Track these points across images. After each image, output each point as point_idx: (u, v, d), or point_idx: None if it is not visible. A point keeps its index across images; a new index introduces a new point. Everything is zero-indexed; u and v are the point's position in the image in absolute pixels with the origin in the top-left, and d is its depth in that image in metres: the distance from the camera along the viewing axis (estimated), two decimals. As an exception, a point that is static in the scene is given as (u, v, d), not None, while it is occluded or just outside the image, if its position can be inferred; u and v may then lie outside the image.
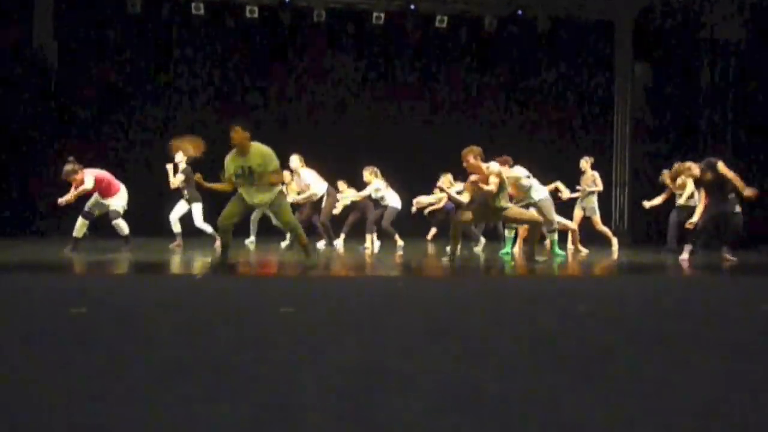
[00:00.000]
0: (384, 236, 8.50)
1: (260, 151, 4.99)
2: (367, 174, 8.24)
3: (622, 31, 12.27)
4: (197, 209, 7.95)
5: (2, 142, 9.94)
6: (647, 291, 4.07)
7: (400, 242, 8.25)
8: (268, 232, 8.77)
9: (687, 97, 11.18)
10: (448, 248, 7.64)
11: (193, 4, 11.06)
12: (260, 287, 3.97)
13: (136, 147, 11.18)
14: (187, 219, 8.08)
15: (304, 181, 7.90)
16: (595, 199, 8.50)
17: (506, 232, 7.47)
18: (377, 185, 8.25)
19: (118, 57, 11.45)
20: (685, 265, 6.07)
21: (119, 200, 7.14)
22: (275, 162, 5.04)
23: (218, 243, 7.78)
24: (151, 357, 1.82)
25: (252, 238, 8.52)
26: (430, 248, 8.53)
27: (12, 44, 10.21)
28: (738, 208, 6.56)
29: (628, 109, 12.42)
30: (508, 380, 1.63)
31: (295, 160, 7.92)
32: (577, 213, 8.51)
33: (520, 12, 11.72)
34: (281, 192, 5.29)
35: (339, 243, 8.40)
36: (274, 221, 7.96)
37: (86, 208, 6.98)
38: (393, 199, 8.40)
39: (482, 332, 2.32)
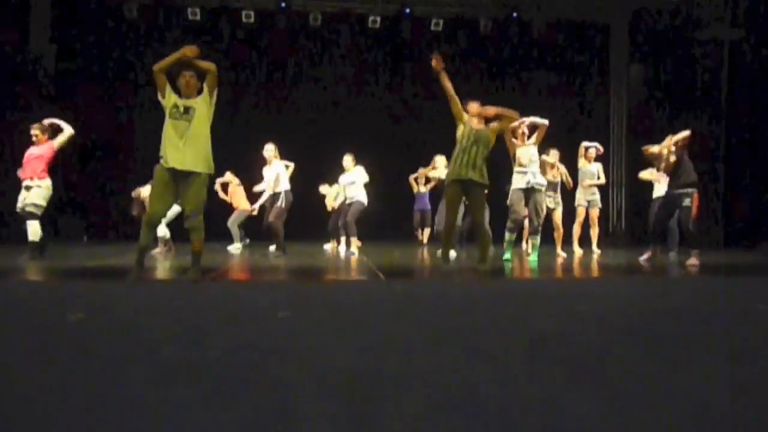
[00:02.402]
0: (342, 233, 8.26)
1: (202, 96, 4.41)
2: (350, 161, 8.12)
3: (617, 32, 12.33)
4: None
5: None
6: (645, 292, 4.08)
7: (354, 245, 7.99)
8: (254, 238, 8.77)
9: (682, 97, 11.22)
10: (439, 252, 7.55)
11: (189, 10, 11.09)
12: (258, 292, 3.97)
13: (133, 152, 11.19)
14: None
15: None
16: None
17: (506, 234, 6.75)
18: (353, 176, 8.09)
19: (115, 61, 11.48)
20: (645, 265, 6.04)
21: (42, 194, 6.24)
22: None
23: (159, 250, 7.42)
24: (150, 362, 1.83)
25: (238, 244, 8.41)
26: (423, 251, 8.54)
27: (9, 48, 10.21)
28: (688, 201, 6.18)
29: (624, 109, 12.48)
30: (507, 382, 1.64)
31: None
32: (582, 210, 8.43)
33: (515, 15, 11.77)
34: (207, 176, 4.39)
35: (329, 247, 8.52)
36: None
37: (25, 210, 6.20)
38: (362, 195, 8.08)
39: (480, 334, 2.32)
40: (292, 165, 8.00)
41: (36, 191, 6.20)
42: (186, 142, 4.26)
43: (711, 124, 11.01)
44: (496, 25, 11.85)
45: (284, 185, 7.59)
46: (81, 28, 11.20)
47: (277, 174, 7.56)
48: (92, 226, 11.47)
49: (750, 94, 9.91)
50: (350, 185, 8.02)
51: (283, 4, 11.29)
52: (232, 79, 11.94)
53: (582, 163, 8.41)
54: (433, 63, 5.38)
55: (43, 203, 6.27)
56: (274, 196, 7.60)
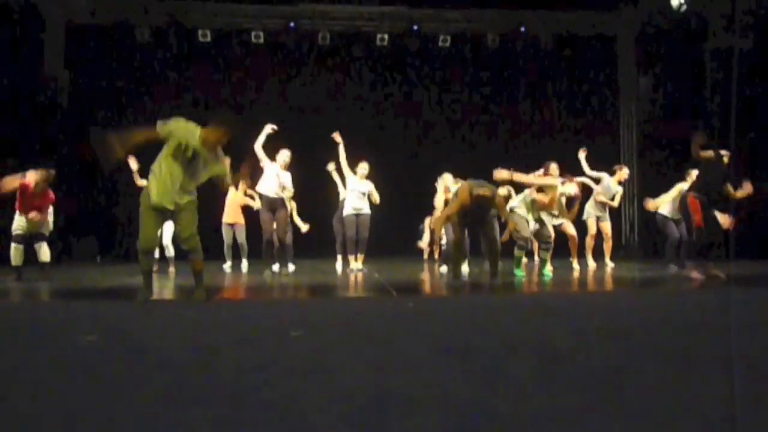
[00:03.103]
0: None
1: (221, 161, 4.26)
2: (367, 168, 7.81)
3: (625, 45, 12.33)
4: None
5: (12, 171, 9.97)
6: (660, 306, 4.03)
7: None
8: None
9: (692, 107, 11.14)
10: (443, 267, 7.50)
11: (199, 31, 11.26)
12: (269, 310, 3.97)
13: (148, 173, 11.30)
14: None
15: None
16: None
17: (515, 251, 6.70)
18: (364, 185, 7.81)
19: (128, 84, 11.65)
20: (709, 276, 5.62)
21: (51, 218, 6.45)
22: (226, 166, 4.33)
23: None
24: (163, 383, 1.83)
25: (244, 260, 8.28)
26: (434, 266, 8.50)
27: (23, 73, 10.37)
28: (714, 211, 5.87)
29: (634, 122, 12.44)
30: (522, 399, 1.62)
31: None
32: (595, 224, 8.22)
33: (522, 29, 11.81)
34: (195, 200, 4.31)
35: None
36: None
37: (14, 231, 6.22)
38: (368, 206, 7.86)
39: (494, 351, 2.30)
40: (291, 191, 7.46)
41: (47, 219, 6.39)
42: (183, 191, 4.11)
43: (721, 133, 10.92)
44: (503, 39, 11.90)
45: (287, 193, 7.35)
46: (94, 53, 11.39)
47: (285, 181, 7.28)
48: (106, 246, 11.56)
49: (761, 102, 9.82)
50: (363, 196, 7.74)
51: (292, 24, 11.43)
52: (242, 98, 12.07)
53: (609, 179, 8.19)
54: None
55: (51, 226, 6.52)
56: (274, 201, 7.22)
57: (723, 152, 6.05)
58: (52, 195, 6.40)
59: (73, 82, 11.30)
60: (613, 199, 8.24)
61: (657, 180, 11.33)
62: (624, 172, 8.31)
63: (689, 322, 3.14)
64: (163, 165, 4.12)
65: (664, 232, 7.35)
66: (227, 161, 4.44)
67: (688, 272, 6.04)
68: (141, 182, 7.22)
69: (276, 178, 7.27)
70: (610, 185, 8.20)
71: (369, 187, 7.81)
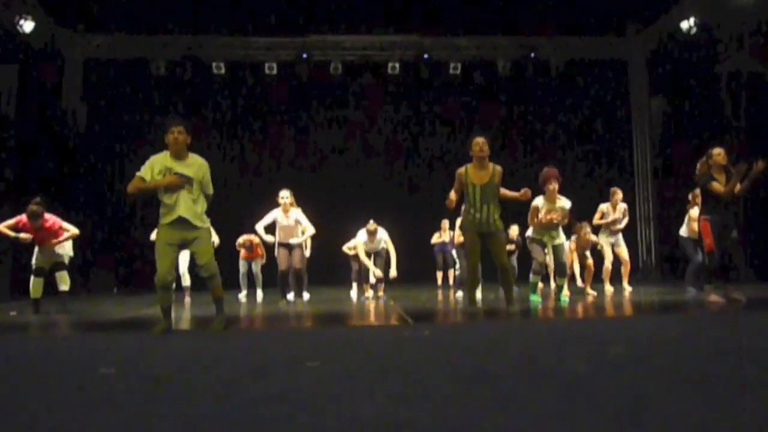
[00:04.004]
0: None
1: (199, 161, 4.36)
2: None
3: (636, 68, 12.37)
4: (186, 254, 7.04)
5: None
6: (683, 330, 3.95)
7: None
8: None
9: (705, 128, 11.08)
10: (459, 293, 7.47)
11: (214, 64, 11.49)
12: (285, 340, 3.95)
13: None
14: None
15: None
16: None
17: (531, 276, 6.65)
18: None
19: (145, 116, 11.88)
20: (718, 303, 5.51)
21: (70, 245, 6.52)
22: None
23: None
24: (181, 415, 1.81)
25: (259, 292, 8.32)
26: (449, 293, 8.44)
27: (41, 107, 10.60)
28: (735, 233, 5.74)
29: (648, 143, 12.40)
30: (542, 428, 1.59)
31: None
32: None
33: (533, 55, 11.89)
34: (209, 227, 4.40)
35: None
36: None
37: (34, 265, 6.31)
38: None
39: (513, 380, 2.26)
40: (312, 230, 7.29)
41: (66, 246, 6.43)
42: (195, 205, 4.21)
43: (734, 155, 10.81)
44: (514, 66, 11.98)
45: (307, 233, 7.27)
46: (111, 86, 11.65)
47: (296, 221, 7.18)
48: (122, 278, 11.64)
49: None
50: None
51: (305, 55, 11.62)
52: (255, 128, 12.24)
53: (606, 207, 8.03)
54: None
55: (72, 254, 6.54)
56: (291, 245, 7.19)
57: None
58: (59, 222, 6.33)
59: (90, 115, 11.55)
60: (614, 223, 8.00)
61: (673, 202, 11.24)
62: (617, 195, 8.07)
63: (710, 346, 3.07)
64: (165, 198, 4.25)
65: (687, 254, 7.24)
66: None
67: (707, 296, 5.94)
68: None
69: (286, 226, 7.19)
70: (609, 213, 8.00)
71: (383, 239, 7.78)
